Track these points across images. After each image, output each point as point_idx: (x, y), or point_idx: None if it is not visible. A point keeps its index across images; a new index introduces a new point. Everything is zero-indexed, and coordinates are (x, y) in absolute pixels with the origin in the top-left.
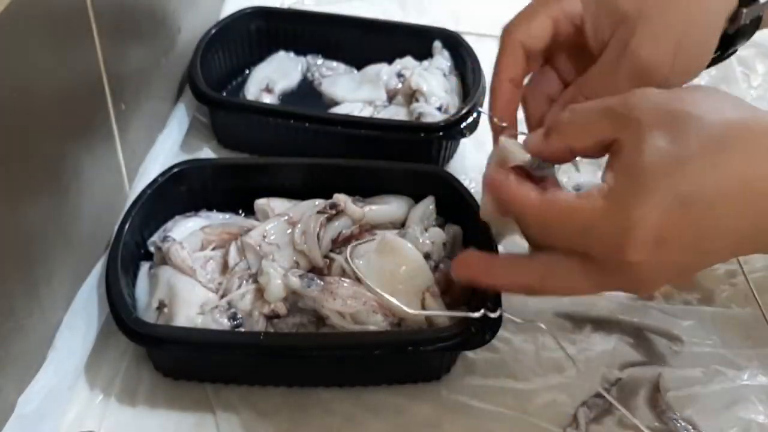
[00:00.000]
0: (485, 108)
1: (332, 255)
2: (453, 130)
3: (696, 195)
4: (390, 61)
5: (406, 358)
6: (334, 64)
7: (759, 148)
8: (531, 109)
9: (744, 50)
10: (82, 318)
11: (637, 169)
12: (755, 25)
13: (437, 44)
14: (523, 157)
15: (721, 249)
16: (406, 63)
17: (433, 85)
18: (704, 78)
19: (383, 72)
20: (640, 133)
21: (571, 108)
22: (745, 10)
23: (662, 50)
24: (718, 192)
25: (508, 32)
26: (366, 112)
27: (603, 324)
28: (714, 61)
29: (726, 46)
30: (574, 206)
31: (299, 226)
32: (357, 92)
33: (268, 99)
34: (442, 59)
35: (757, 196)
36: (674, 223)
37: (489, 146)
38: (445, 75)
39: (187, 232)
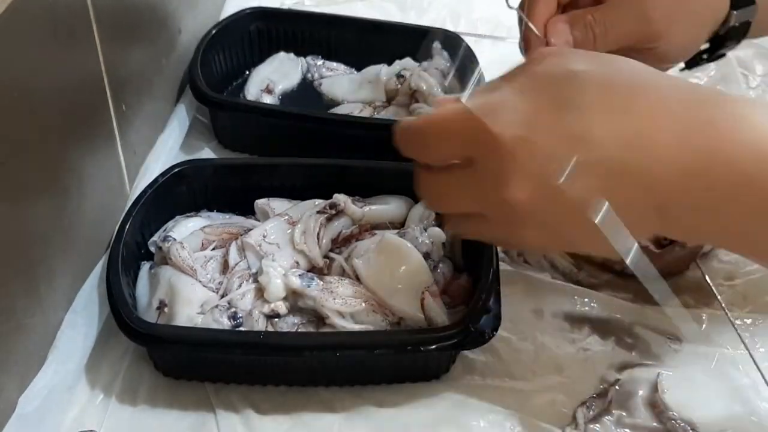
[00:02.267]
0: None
1: (332, 255)
2: None
3: (573, 102)
4: (389, 62)
5: (406, 357)
6: (334, 64)
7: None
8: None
9: (743, 51)
10: (82, 318)
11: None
12: (744, 30)
13: (436, 45)
14: None
15: (596, 173)
16: (406, 64)
17: (432, 84)
18: (703, 79)
19: (383, 73)
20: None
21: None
22: (735, 13)
23: (663, 9)
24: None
25: None
26: (366, 113)
27: (601, 324)
28: (702, 60)
29: (715, 47)
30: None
31: (299, 225)
32: (357, 93)
33: (268, 99)
34: (441, 60)
35: (635, 127)
36: (546, 114)
37: None
38: (444, 75)
39: (187, 232)
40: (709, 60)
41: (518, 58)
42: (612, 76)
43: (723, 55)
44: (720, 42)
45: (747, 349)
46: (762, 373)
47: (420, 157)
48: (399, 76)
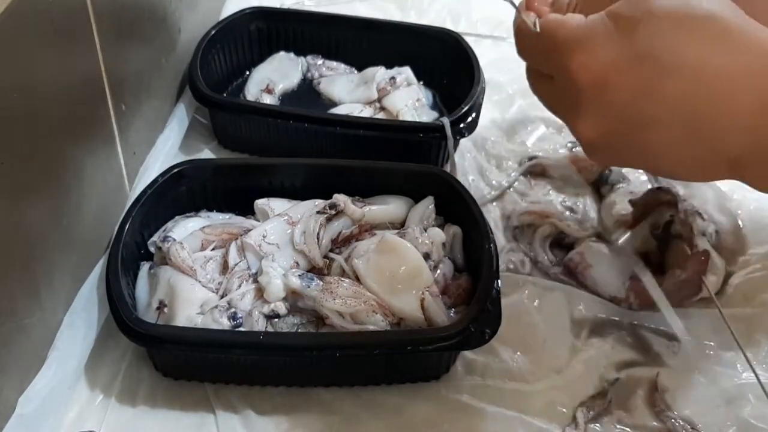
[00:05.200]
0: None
1: (332, 255)
2: (452, 130)
3: (655, 54)
4: (389, 62)
5: (406, 357)
6: (334, 64)
7: (733, 44)
8: None
9: None
10: (82, 318)
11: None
12: None
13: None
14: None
15: (666, 124)
16: (404, 71)
17: (403, 107)
18: None
19: (378, 74)
20: None
21: None
22: None
23: None
24: (675, 62)
25: None
26: (366, 113)
27: (601, 324)
28: None
29: None
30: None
31: (299, 226)
32: (353, 92)
33: (268, 99)
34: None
35: (708, 86)
36: (623, 64)
37: (488, 146)
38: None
39: (187, 233)
40: None
41: (518, 58)
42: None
43: None
44: None
45: (741, 347)
46: (756, 374)
47: (523, 58)
48: (392, 78)
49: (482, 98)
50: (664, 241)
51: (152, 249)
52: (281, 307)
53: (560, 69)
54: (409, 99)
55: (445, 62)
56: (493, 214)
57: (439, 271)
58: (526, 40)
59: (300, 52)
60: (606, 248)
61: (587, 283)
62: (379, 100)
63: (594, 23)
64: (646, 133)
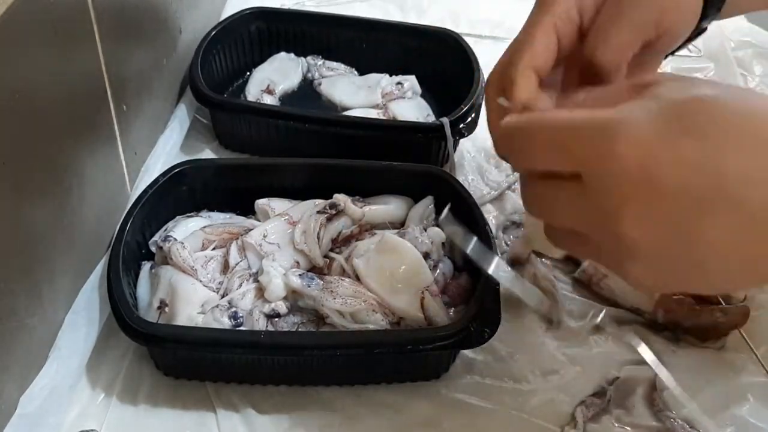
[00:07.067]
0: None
1: (332, 254)
2: (452, 130)
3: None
4: (389, 63)
5: (406, 356)
6: (335, 64)
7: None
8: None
9: (741, 51)
10: (83, 317)
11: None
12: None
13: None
14: None
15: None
16: (409, 79)
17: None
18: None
19: (384, 80)
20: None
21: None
22: None
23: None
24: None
25: (513, 65)
26: (372, 115)
27: (600, 324)
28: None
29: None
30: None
31: (299, 225)
32: (355, 95)
33: (268, 100)
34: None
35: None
36: (674, 143)
37: (488, 146)
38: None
39: (188, 232)
40: (691, 40)
41: None
42: (743, 105)
43: (704, 30)
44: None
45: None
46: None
47: (520, 163)
48: (398, 83)
49: (482, 98)
50: None
51: (153, 249)
52: (282, 307)
53: (597, 160)
54: (419, 114)
55: (445, 62)
56: (492, 214)
57: (438, 271)
58: (537, 134)
59: (300, 52)
60: None
61: (603, 294)
62: (385, 104)
63: (636, 108)
64: (705, 223)
